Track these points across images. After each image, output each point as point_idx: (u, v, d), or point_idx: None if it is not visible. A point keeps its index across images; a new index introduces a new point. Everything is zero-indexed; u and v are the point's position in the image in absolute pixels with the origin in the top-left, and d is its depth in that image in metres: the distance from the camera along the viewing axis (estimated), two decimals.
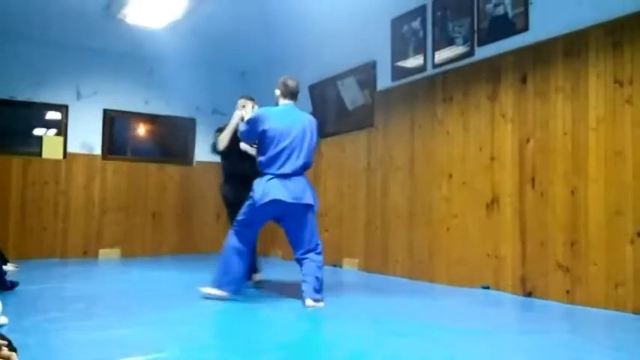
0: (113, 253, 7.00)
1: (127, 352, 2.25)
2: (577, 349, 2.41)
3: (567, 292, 3.61)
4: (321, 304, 3.48)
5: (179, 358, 2.25)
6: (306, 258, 3.61)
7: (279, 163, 3.61)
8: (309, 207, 3.65)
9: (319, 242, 3.70)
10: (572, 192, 3.62)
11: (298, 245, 3.65)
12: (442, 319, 3.10)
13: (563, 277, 3.64)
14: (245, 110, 4.27)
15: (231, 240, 3.70)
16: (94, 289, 4.26)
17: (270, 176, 3.60)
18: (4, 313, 2.71)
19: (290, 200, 3.54)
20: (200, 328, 2.94)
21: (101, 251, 6.97)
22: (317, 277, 3.55)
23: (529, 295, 3.85)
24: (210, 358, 2.23)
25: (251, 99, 4.44)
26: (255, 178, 3.73)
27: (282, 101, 3.84)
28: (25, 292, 3.86)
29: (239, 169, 4.34)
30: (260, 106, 4.35)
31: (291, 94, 3.83)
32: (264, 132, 3.65)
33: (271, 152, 3.62)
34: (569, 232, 3.62)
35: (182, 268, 5.69)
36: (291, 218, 3.66)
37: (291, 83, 3.83)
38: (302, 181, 3.66)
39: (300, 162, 3.64)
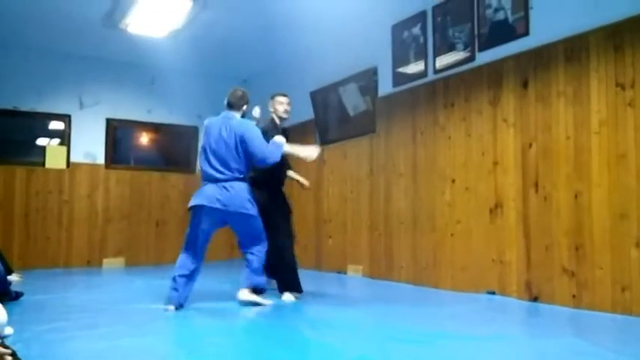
0: (117, 262, 7.01)
1: None
2: (584, 354, 2.39)
3: (573, 296, 3.59)
4: (253, 297, 3.77)
5: None
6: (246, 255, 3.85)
7: (211, 169, 3.71)
8: (243, 214, 3.69)
9: (259, 246, 3.82)
10: (576, 196, 3.61)
11: (243, 246, 3.87)
12: (447, 325, 3.09)
13: (569, 281, 3.62)
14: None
15: (178, 260, 3.78)
16: (98, 298, 4.26)
17: (205, 183, 3.74)
18: (9, 323, 2.71)
19: (217, 206, 3.62)
20: (203, 337, 2.93)
21: (105, 260, 6.97)
22: (251, 272, 3.78)
23: (535, 300, 3.84)
24: None
25: (284, 95, 4.38)
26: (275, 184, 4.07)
27: (224, 110, 3.92)
28: (30, 303, 3.86)
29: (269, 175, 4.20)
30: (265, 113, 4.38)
31: (229, 104, 3.90)
32: (204, 141, 3.84)
33: (204, 160, 3.77)
34: (574, 237, 3.61)
35: None
36: (231, 223, 3.78)
37: (233, 93, 3.93)
38: (235, 187, 3.68)
39: (232, 168, 3.70)
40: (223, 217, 3.69)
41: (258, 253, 3.82)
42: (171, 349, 2.59)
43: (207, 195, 3.64)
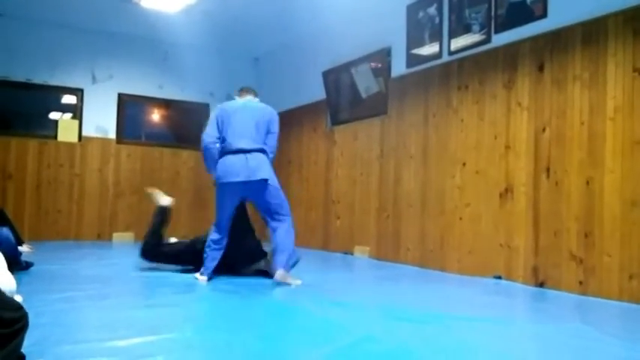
0: (127, 236, 7.08)
1: (138, 332, 2.28)
2: (589, 339, 2.39)
3: (580, 283, 3.58)
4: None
5: (190, 338, 2.27)
6: (277, 228, 3.82)
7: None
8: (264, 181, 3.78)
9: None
10: (588, 182, 3.57)
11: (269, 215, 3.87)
12: (452, 307, 3.09)
13: (577, 267, 3.61)
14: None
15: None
16: (108, 271, 4.31)
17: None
18: (18, 292, 2.75)
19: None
20: (211, 311, 2.96)
21: (115, 234, 7.05)
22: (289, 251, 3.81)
23: (541, 285, 3.83)
24: (221, 339, 2.25)
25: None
26: None
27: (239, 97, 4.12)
28: (40, 273, 3.91)
29: None
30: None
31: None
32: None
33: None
34: (584, 223, 3.58)
35: None
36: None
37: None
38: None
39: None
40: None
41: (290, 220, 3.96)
42: (179, 321, 2.62)
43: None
